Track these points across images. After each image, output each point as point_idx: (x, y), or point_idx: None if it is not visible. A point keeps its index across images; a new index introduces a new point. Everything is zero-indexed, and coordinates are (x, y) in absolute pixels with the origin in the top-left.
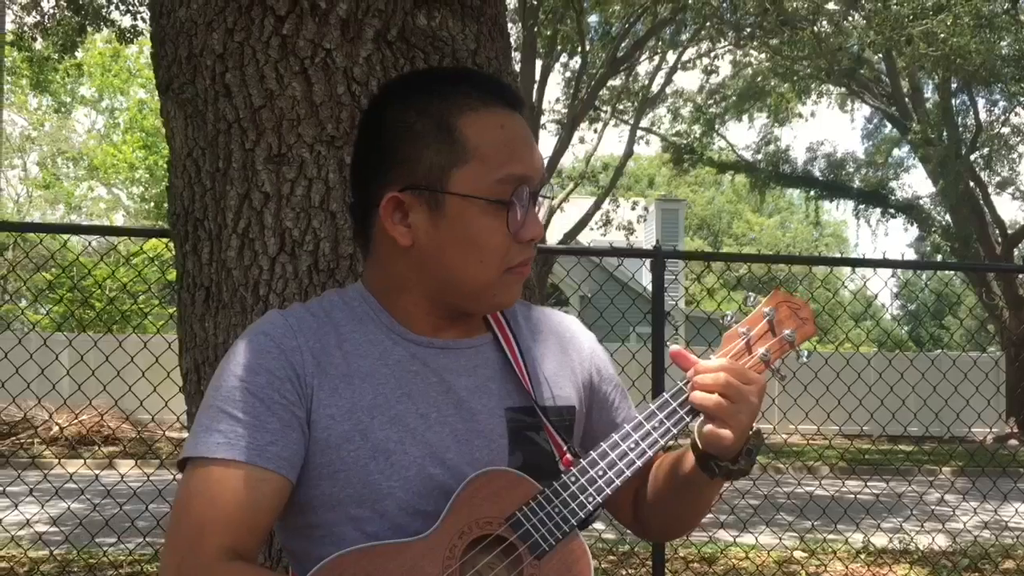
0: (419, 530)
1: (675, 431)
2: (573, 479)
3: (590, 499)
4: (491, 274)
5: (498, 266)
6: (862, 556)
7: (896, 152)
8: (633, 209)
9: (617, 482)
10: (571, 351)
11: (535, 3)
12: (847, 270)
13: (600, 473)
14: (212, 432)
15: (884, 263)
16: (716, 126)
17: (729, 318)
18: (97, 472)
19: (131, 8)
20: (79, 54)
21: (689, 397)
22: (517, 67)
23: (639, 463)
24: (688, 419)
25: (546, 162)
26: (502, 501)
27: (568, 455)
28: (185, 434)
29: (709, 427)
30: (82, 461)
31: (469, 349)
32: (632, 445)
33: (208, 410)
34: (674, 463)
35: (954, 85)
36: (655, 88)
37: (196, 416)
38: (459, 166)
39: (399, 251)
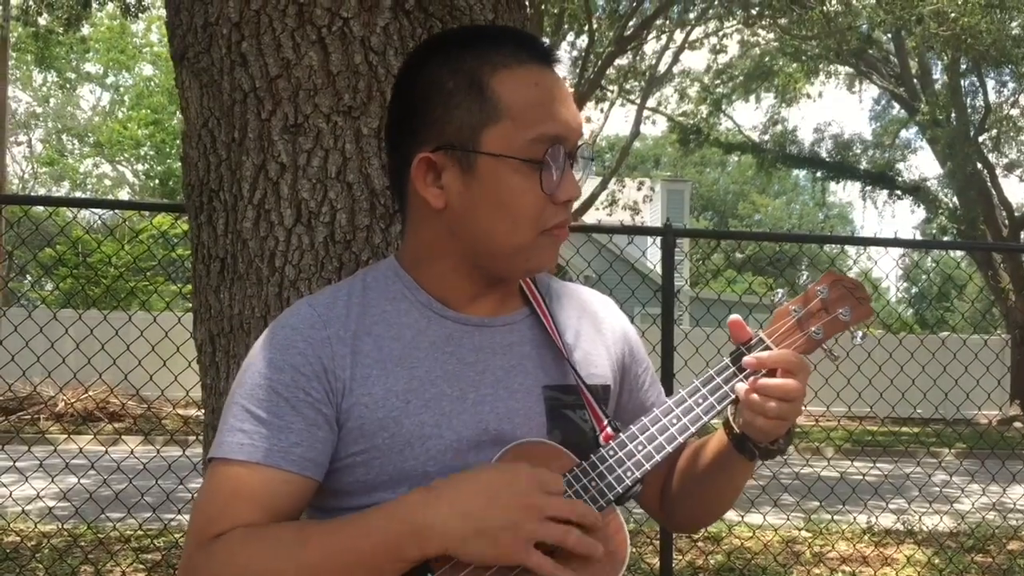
0: None
1: (719, 407)
2: (611, 453)
3: (628, 473)
4: (525, 236)
5: (532, 228)
6: (867, 536)
7: (904, 133)
8: (639, 190)
9: (657, 457)
10: (605, 329)
11: None
12: (854, 252)
13: (639, 447)
14: (235, 432)
15: (894, 242)
16: (723, 106)
17: (780, 296)
18: (106, 447)
19: None
20: (85, 29)
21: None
22: None
23: (680, 439)
24: (733, 396)
25: None
26: None
27: (608, 429)
28: (193, 411)
29: (762, 422)
30: (90, 436)
31: (504, 327)
32: (674, 420)
33: (232, 408)
34: (703, 448)
35: (963, 66)
36: (662, 67)
37: (222, 413)
38: (491, 125)
39: (433, 214)
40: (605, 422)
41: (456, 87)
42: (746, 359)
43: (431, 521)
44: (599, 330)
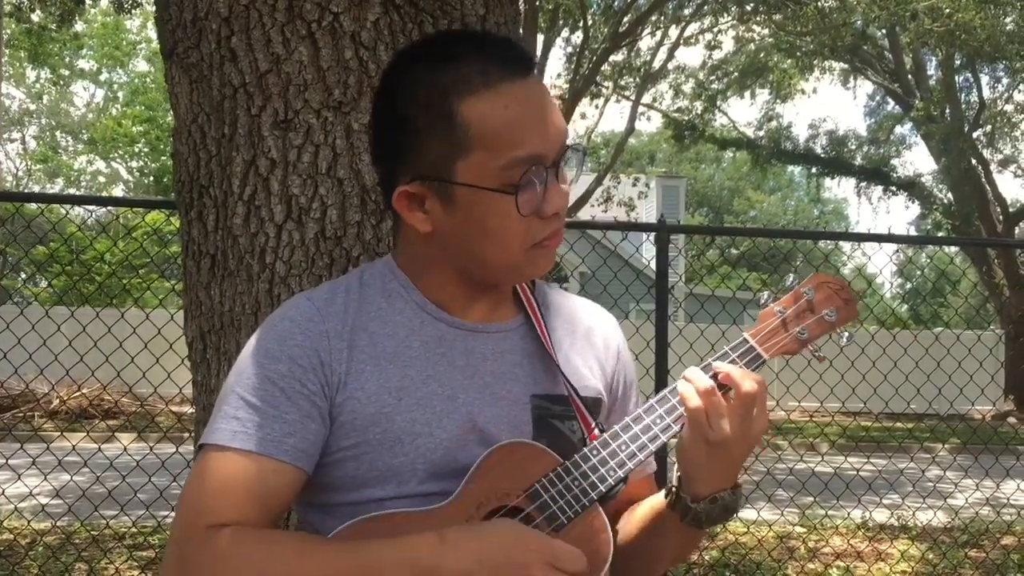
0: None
1: None
2: (595, 452)
3: (611, 473)
4: (514, 255)
5: (520, 246)
6: (862, 532)
7: (898, 129)
8: (634, 186)
9: (640, 456)
10: (600, 344)
11: None
12: (848, 248)
13: (622, 447)
14: (230, 420)
15: (889, 238)
16: (718, 102)
17: (766, 297)
18: (99, 445)
19: None
20: (79, 26)
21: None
22: None
23: (663, 437)
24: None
25: None
26: (523, 473)
27: (596, 431)
28: (187, 408)
29: (700, 422)
30: (84, 433)
31: (498, 333)
32: (657, 419)
33: (228, 396)
34: (649, 501)
35: (957, 62)
36: (657, 64)
37: (216, 401)
38: (463, 156)
39: (422, 236)
40: (592, 425)
41: (428, 118)
42: (715, 364)
43: (439, 564)
44: (593, 344)
